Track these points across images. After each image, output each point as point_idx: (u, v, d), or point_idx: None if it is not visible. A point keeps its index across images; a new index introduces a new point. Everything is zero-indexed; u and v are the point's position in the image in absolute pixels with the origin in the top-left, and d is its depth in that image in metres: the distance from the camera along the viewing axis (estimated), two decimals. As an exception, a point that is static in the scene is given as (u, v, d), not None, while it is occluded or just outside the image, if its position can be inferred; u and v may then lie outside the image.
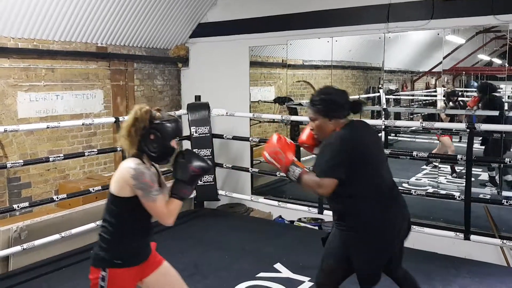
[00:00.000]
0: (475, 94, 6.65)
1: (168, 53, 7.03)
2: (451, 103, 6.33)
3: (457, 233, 4.45)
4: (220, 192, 6.13)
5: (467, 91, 7.06)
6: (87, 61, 5.97)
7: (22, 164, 4.55)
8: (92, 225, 4.88)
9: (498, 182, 5.81)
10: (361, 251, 2.69)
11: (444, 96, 6.32)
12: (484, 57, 6.92)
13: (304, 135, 2.98)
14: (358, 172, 2.62)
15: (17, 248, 4.34)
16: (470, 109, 6.03)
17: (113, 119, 5.26)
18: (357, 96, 2.25)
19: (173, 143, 2.44)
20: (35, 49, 5.37)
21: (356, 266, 2.72)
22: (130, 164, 2.34)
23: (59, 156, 4.84)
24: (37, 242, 4.45)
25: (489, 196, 5.49)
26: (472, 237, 4.39)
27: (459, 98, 6.52)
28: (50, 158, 4.70)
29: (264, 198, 6.10)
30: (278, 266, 4.46)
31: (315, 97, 2.79)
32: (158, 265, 2.59)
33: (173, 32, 6.75)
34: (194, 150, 5.56)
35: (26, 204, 4.57)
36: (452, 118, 6.33)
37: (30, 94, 5.39)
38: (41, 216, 4.97)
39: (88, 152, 5.09)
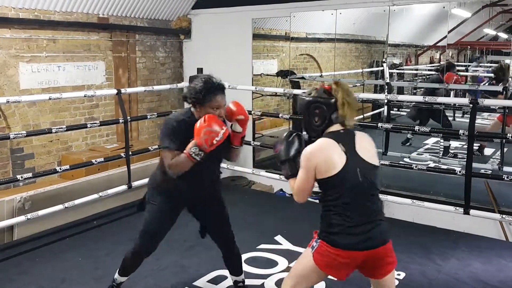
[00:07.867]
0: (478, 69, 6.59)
1: (170, 24, 6.95)
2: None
3: (457, 208, 4.47)
4: (222, 165, 6.15)
5: (470, 66, 7.01)
6: (89, 32, 5.92)
7: (25, 135, 4.56)
8: (95, 196, 4.94)
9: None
10: None
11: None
12: (489, 31, 6.84)
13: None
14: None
15: (21, 218, 4.41)
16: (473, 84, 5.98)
17: (115, 91, 5.24)
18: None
19: None
20: (36, 19, 5.33)
21: None
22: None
23: (62, 128, 4.85)
24: (41, 212, 4.51)
25: (490, 171, 5.50)
26: (472, 211, 4.41)
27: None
28: (53, 130, 4.71)
29: (266, 171, 6.13)
30: (278, 238, 4.52)
31: None
32: None
33: (175, 3, 6.66)
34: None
35: (30, 174, 4.59)
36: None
37: (32, 65, 5.37)
38: (45, 187, 5.02)
39: (91, 124, 5.09)
